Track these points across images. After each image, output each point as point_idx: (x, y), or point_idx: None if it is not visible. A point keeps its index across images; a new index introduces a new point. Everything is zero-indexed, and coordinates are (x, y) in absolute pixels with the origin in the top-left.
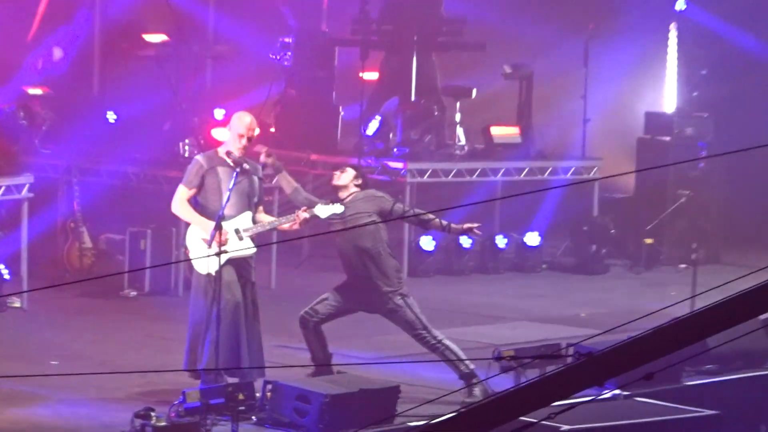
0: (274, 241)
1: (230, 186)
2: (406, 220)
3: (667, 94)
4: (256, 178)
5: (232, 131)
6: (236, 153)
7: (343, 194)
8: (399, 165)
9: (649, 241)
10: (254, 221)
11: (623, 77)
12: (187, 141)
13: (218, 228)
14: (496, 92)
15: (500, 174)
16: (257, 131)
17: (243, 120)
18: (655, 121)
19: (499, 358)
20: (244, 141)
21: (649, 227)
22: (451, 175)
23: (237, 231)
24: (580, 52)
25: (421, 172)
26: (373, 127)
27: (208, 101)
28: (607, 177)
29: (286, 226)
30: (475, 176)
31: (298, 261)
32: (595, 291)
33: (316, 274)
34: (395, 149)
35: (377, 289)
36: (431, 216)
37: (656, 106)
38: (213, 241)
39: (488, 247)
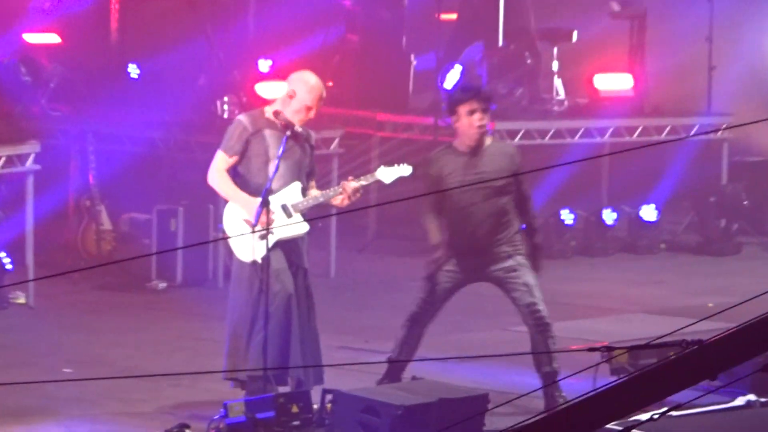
0: (333, 213)
1: (279, 153)
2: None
3: None
4: (308, 146)
5: (296, 98)
6: (292, 120)
7: (479, 142)
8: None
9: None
10: (305, 196)
11: (758, 13)
12: (225, 99)
13: (265, 205)
14: (602, 35)
15: (608, 134)
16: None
17: (312, 88)
18: None
19: (593, 350)
20: (310, 114)
21: None
22: (549, 136)
23: (285, 207)
24: None
25: (512, 133)
26: (452, 79)
27: (251, 50)
28: (734, 126)
29: (337, 200)
30: (577, 137)
31: (363, 244)
32: (725, 276)
33: (384, 259)
34: None
35: (500, 251)
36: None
37: None
38: (258, 223)
39: (594, 223)
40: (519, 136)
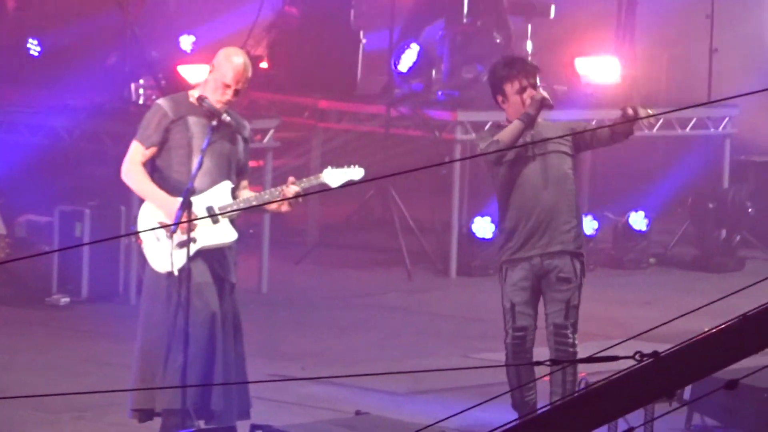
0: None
1: (203, 145)
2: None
3: None
4: (240, 138)
5: (215, 75)
6: (215, 105)
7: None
8: (445, 115)
9: None
10: (234, 197)
11: None
12: (142, 81)
13: (186, 207)
14: (585, 10)
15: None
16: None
17: (233, 64)
18: None
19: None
20: (229, 93)
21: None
22: None
23: (210, 210)
24: None
25: (478, 126)
26: (408, 60)
27: (173, 24)
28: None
29: (273, 206)
30: None
31: (300, 255)
32: (725, 295)
33: (324, 272)
34: (439, 92)
35: (576, 243)
36: None
37: None
38: (177, 228)
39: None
40: (486, 128)
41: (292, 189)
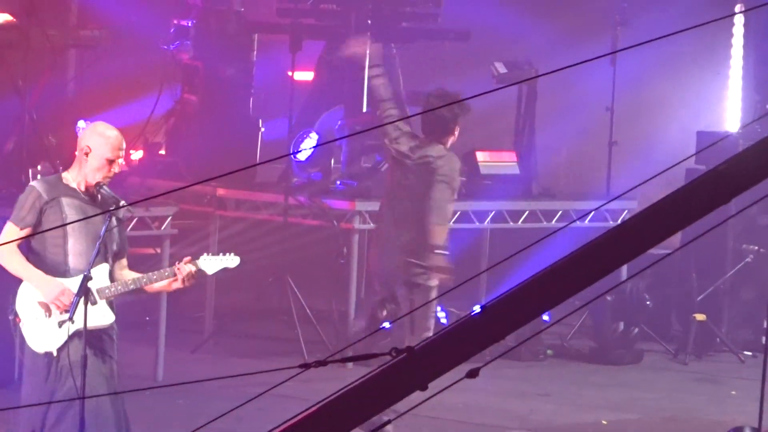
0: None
1: (102, 230)
2: None
3: (729, 107)
4: (114, 219)
5: (93, 154)
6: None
7: None
8: (344, 205)
9: (700, 317)
10: (114, 279)
11: (664, 83)
12: (39, 167)
13: (82, 294)
14: (485, 103)
15: (488, 219)
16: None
17: (109, 138)
18: (711, 145)
19: (304, 366)
20: (115, 168)
21: (700, 297)
22: None
23: (88, 292)
24: (604, 49)
25: (376, 217)
26: (306, 149)
27: (70, 110)
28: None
29: (161, 284)
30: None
31: (197, 343)
32: (622, 388)
33: (222, 360)
34: (338, 182)
35: None
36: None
37: (713, 125)
38: (69, 308)
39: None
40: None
41: (188, 267)
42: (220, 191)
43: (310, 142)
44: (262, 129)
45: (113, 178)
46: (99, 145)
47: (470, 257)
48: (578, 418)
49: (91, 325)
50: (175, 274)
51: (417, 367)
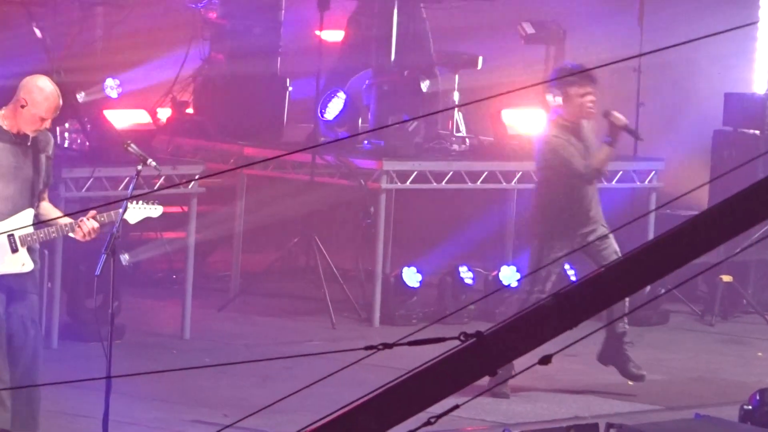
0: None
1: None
2: None
3: (757, 69)
4: (44, 157)
5: (30, 110)
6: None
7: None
8: (371, 164)
9: (727, 278)
10: (37, 216)
11: (693, 43)
12: (67, 125)
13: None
14: (513, 62)
15: (515, 179)
16: None
17: (47, 96)
18: (739, 106)
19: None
20: (46, 124)
21: (727, 258)
22: (446, 180)
23: (11, 238)
24: (630, 5)
25: (403, 176)
26: (334, 108)
27: (98, 68)
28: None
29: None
30: (479, 182)
31: (224, 301)
32: (649, 348)
33: (248, 319)
34: (366, 141)
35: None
36: None
37: (741, 86)
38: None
39: (491, 283)
40: (411, 178)
41: (90, 223)
42: (248, 150)
43: (338, 101)
44: (290, 88)
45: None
46: (34, 103)
47: (497, 217)
48: (605, 379)
49: (9, 270)
50: (78, 226)
51: (486, 354)
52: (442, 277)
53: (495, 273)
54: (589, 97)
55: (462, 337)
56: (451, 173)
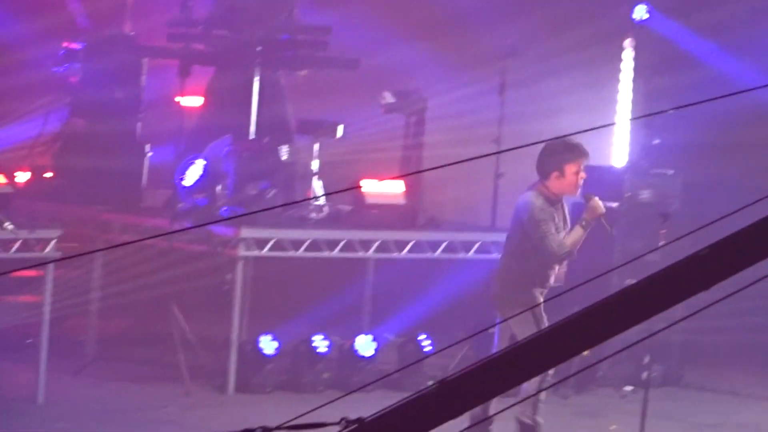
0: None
1: None
2: None
3: (615, 142)
4: None
5: None
6: None
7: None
8: (229, 231)
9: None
10: None
11: (552, 116)
12: None
13: None
14: (373, 132)
15: (373, 248)
16: None
17: None
18: (597, 179)
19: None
20: None
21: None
22: (303, 248)
23: None
24: (491, 77)
25: (260, 243)
26: (193, 175)
27: None
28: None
29: None
30: (336, 250)
31: (79, 365)
32: (502, 421)
33: (104, 384)
34: (224, 208)
35: None
36: None
37: (600, 159)
38: None
39: (347, 352)
40: (268, 246)
41: None
42: (105, 215)
43: (197, 168)
44: (150, 153)
45: None
46: None
47: (355, 286)
48: None
49: None
50: None
51: None
52: (296, 346)
53: (351, 342)
54: (582, 174)
55: (343, 423)
56: (308, 241)
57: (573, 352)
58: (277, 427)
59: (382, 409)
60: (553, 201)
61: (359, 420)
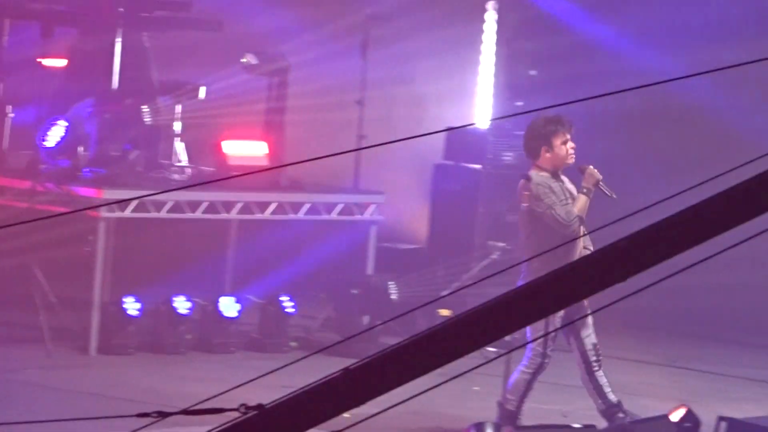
0: None
1: None
2: None
3: (478, 104)
4: None
5: None
6: None
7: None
8: (91, 192)
9: (445, 312)
10: None
11: (416, 78)
12: None
13: None
14: (235, 93)
15: (235, 210)
16: None
17: None
18: (460, 141)
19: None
20: None
21: (447, 293)
22: (165, 209)
23: None
24: (354, 40)
25: (122, 205)
26: (55, 136)
27: None
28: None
29: None
30: (199, 212)
31: None
32: None
33: None
34: (85, 170)
35: None
36: None
37: (463, 120)
38: None
39: (210, 314)
40: (130, 207)
41: None
42: None
43: (59, 129)
44: (11, 114)
45: None
46: None
47: (216, 247)
48: None
49: None
50: None
51: (268, 428)
52: (157, 306)
53: (214, 303)
54: (570, 144)
55: (242, 409)
56: (170, 203)
57: (474, 347)
58: (173, 413)
59: (283, 396)
60: (551, 176)
61: (259, 406)
